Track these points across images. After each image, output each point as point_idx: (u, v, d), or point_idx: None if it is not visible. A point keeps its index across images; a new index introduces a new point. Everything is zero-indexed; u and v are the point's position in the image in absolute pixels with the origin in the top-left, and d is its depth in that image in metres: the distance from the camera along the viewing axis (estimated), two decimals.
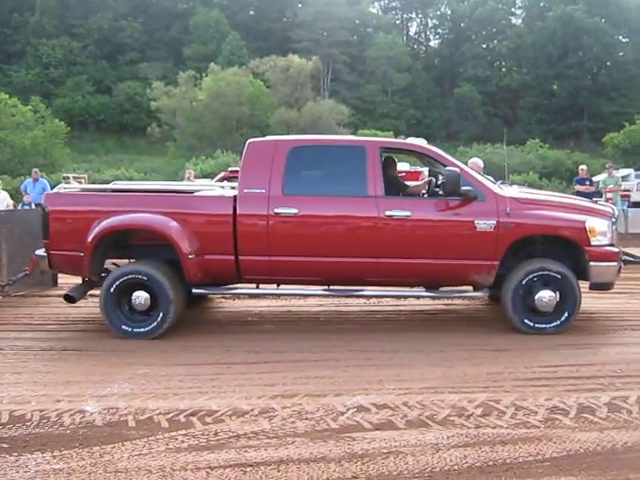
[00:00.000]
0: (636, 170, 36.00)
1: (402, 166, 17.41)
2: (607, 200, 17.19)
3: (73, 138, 55.66)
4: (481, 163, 11.26)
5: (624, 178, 30.84)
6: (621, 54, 74.77)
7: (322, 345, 6.88)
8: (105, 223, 7.15)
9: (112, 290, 7.13)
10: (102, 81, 69.91)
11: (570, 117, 71.74)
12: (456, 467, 3.93)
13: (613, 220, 7.43)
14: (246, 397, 5.22)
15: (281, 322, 8.19)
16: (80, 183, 21.53)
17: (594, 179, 20.05)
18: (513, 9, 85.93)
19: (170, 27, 76.59)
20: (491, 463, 3.98)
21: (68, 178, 21.79)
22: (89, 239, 7.10)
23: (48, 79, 67.45)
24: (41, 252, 7.62)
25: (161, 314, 7.10)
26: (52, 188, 14.49)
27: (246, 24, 77.62)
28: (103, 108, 67.49)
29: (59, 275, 10.20)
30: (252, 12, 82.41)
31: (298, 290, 7.98)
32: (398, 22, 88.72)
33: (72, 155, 52.48)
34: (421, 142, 7.97)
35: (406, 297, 8.48)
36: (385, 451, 4.17)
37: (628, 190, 29.52)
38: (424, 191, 8.27)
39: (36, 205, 15.11)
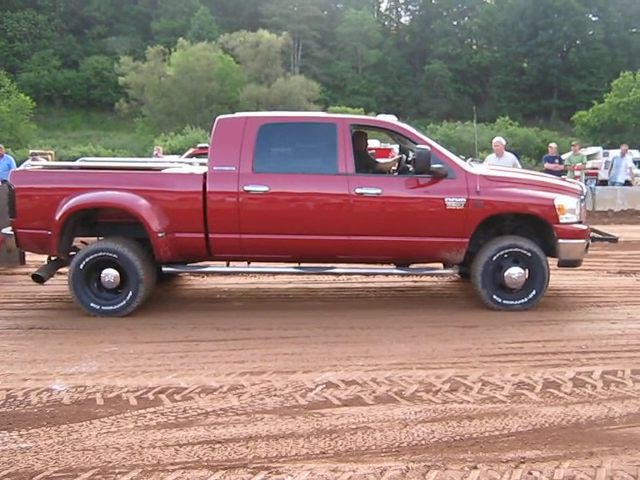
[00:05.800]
0: (604, 148, 36.41)
1: (372, 143, 17.50)
2: (575, 178, 17.33)
3: (39, 113, 54.85)
4: (504, 142, 11.89)
5: (590, 157, 31.19)
6: (591, 33, 75.17)
7: (291, 322, 6.90)
8: (73, 201, 7.04)
9: (81, 267, 7.05)
10: (69, 55, 68.76)
11: (540, 95, 72.23)
12: (423, 442, 3.97)
13: (582, 198, 7.50)
14: (215, 374, 5.22)
15: (250, 299, 8.17)
16: (47, 160, 21.25)
17: (563, 157, 20.19)
18: None
19: (138, 0, 75.43)
20: (458, 438, 4.03)
21: (35, 155, 21.41)
22: (57, 217, 7.00)
23: (13, 53, 66.18)
24: (8, 230, 7.50)
25: (130, 292, 7.06)
26: (18, 165, 14.28)
27: None
28: (70, 83, 66.44)
29: (27, 253, 10.08)
30: None
31: (268, 268, 7.96)
32: None
33: (38, 131, 51.75)
34: (392, 119, 7.94)
35: (375, 274, 8.49)
36: (353, 427, 4.20)
37: (596, 168, 29.86)
38: (394, 168, 8.27)
39: (2, 181, 14.89)
